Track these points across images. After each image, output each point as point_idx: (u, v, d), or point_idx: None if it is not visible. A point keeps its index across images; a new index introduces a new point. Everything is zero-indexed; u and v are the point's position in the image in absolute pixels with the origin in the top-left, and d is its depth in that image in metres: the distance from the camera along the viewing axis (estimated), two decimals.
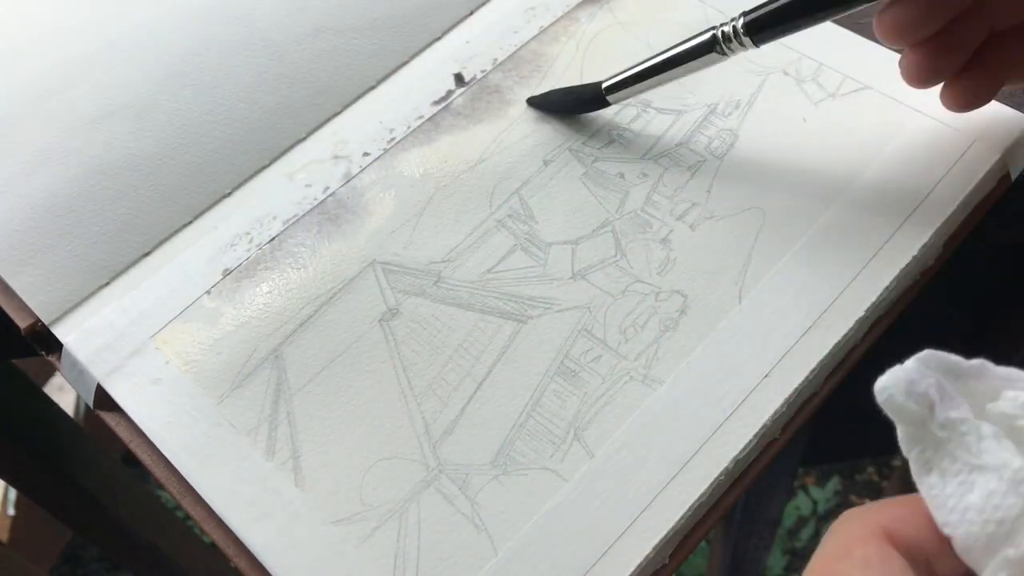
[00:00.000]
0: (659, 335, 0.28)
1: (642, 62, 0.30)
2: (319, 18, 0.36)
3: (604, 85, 0.31)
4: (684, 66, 0.28)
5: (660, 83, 0.30)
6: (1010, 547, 0.15)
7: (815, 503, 1.20)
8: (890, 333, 0.28)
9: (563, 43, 0.35)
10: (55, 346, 0.29)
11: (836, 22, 0.34)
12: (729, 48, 0.27)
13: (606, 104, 0.31)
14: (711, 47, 0.27)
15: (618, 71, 0.30)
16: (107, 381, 0.28)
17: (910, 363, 0.17)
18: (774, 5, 0.26)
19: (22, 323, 0.29)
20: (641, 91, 0.30)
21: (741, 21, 0.27)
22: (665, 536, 0.24)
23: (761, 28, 0.26)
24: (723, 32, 0.27)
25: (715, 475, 0.25)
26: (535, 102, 0.32)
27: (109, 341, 0.29)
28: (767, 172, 0.31)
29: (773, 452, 0.26)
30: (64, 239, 0.31)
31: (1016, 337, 0.58)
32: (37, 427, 0.48)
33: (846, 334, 0.27)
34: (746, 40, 0.26)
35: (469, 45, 0.35)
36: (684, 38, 0.29)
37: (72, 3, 0.37)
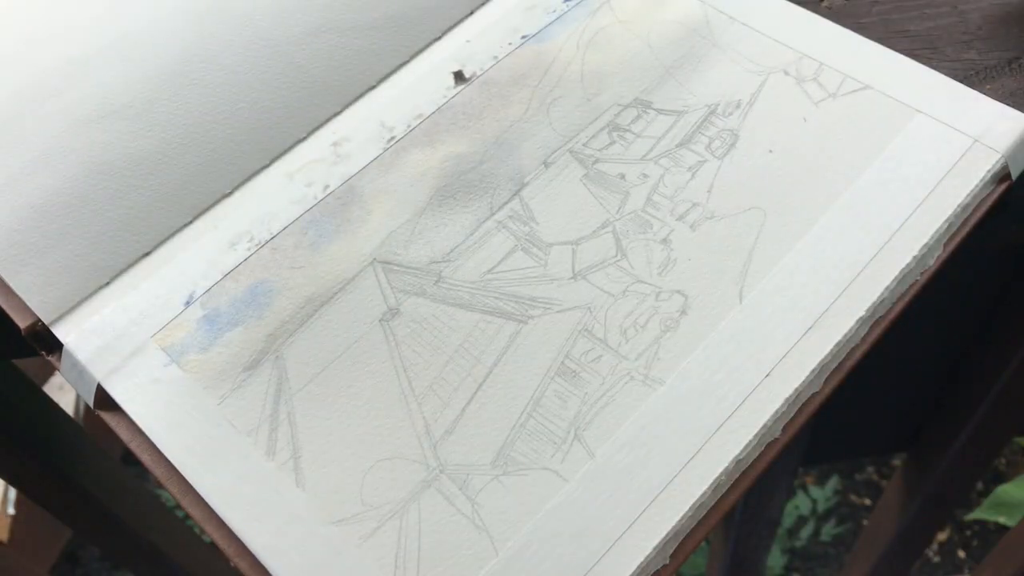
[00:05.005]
0: (660, 335, 0.28)
1: None
2: (319, 18, 0.36)
3: None
4: None
5: None
6: None
7: (815, 502, 1.20)
8: (890, 333, 0.28)
9: (563, 41, 0.35)
10: (55, 346, 0.29)
11: (836, 21, 0.34)
12: None
13: None
14: None
15: None
16: (107, 381, 0.28)
17: None
18: None
19: (22, 323, 0.29)
20: None
21: None
22: (666, 536, 0.24)
23: None
24: None
25: (716, 475, 0.25)
26: None
27: (109, 341, 0.29)
28: (768, 172, 0.31)
29: (774, 452, 0.26)
30: (64, 239, 0.31)
31: (1016, 337, 0.58)
32: (37, 427, 0.48)
33: (846, 334, 0.27)
34: None
35: (469, 44, 0.35)
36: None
37: (72, 3, 0.37)
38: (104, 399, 0.28)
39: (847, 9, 0.37)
